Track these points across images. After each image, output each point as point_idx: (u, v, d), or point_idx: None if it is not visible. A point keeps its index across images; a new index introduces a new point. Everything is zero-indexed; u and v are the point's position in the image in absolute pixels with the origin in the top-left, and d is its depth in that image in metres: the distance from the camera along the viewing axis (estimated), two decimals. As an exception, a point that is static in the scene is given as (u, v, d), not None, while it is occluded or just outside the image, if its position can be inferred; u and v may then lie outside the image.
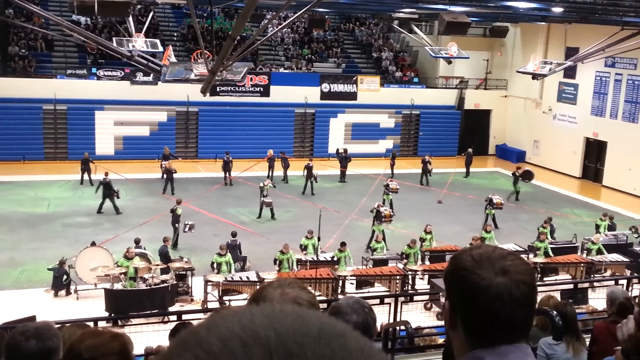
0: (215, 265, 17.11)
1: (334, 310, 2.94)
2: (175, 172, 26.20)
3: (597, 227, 22.07)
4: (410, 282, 17.49)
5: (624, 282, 15.45)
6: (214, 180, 27.78)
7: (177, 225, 20.27)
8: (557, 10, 24.09)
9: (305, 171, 27.20)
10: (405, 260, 18.19)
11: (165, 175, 26.23)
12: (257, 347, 0.82)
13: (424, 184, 29.48)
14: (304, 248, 18.36)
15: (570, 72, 32.91)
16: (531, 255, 19.08)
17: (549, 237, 20.42)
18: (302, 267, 17.34)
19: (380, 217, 21.21)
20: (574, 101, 33.96)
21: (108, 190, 23.04)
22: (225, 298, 16.03)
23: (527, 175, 24.12)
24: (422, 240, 19.37)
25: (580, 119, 33.55)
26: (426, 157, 29.97)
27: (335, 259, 17.77)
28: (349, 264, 17.90)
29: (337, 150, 31.31)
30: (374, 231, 20.61)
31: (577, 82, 33.69)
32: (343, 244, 17.94)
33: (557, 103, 35.02)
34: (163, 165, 26.41)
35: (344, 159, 29.79)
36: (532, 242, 20.05)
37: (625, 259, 19.02)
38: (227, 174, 27.91)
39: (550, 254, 19.33)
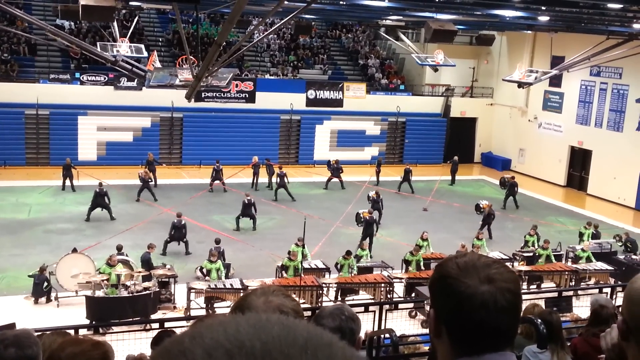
0: (204, 270, 16.97)
1: (316, 315, 2.98)
2: (151, 180, 25.86)
3: (581, 235, 22.15)
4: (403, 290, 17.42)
5: (608, 290, 15.45)
6: (198, 187, 27.62)
7: None
8: (543, 19, 24.22)
9: (278, 179, 26.90)
10: (409, 268, 18.17)
11: (142, 182, 25.74)
12: (243, 357, 0.81)
13: (403, 191, 29.31)
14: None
15: (555, 81, 33.10)
16: (516, 264, 19.10)
17: (536, 244, 20.44)
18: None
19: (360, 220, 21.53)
20: (560, 110, 34.16)
21: (102, 199, 22.81)
22: (207, 305, 15.89)
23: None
24: (419, 247, 19.32)
25: (565, 127, 33.73)
26: (408, 166, 30.02)
27: (338, 266, 17.72)
28: (351, 272, 17.84)
29: (329, 161, 30.97)
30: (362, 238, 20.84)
31: (562, 91, 33.89)
32: (348, 252, 17.84)
33: (543, 111, 35.20)
34: (140, 174, 25.85)
35: (335, 169, 29.66)
36: (532, 249, 20.11)
37: (610, 267, 19.09)
38: (212, 182, 27.63)
39: (553, 260, 19.41)
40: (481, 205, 24.69)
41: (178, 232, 20.11)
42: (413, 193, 29.07)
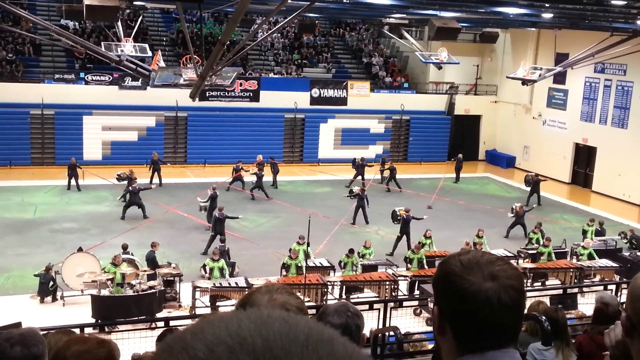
0: (207, 269, 16.99)
1: (320, 312, 2.98)
2: (136, 179, 25.59)
3: (584, 232, 22.05)
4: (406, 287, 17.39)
5: (613, 287, 15.44)
6: (203, 186, 27.58)
7: None
8: (547, 16, 24.15)
9: (256, 179, 26.43)
10: (409, 266, 18.15)
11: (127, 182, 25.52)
12: (244, 353, 0.82)
13: (407, 189, 29.31)
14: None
15: (559, 78, 33.01)
16: (520, 261, 19.06)
17: (540, 241, 20.38)
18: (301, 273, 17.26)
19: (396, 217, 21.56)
20: (564, 107, 34.06)
21: (135, 197, 22.95)
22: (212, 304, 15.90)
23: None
24: (422, 245, 19.28)
25: (569, 124, 33.64)
26: (391, 164, 30.07)
27: (342, 264, 17.73)
28: (355, 269, 17.84)
29: (354, 159, 30.72)
30: (399, 237, 20.85)
31: (566, 88, 33.79)
32: (351, 251, 17.87)
33: (547, 108, 35.10)
34: (121, 174, 25.54)
35: (360, 166, 29.51)
36: (536, 247, 20.05)
37: (615, 265, 19.01)
38: (233, 181, 27.61)
39: (553, 258, 19.32)
40: (514, 207, 24.47)
41: (219, 226, 20.14)
42: (390, 190, 29.04)
